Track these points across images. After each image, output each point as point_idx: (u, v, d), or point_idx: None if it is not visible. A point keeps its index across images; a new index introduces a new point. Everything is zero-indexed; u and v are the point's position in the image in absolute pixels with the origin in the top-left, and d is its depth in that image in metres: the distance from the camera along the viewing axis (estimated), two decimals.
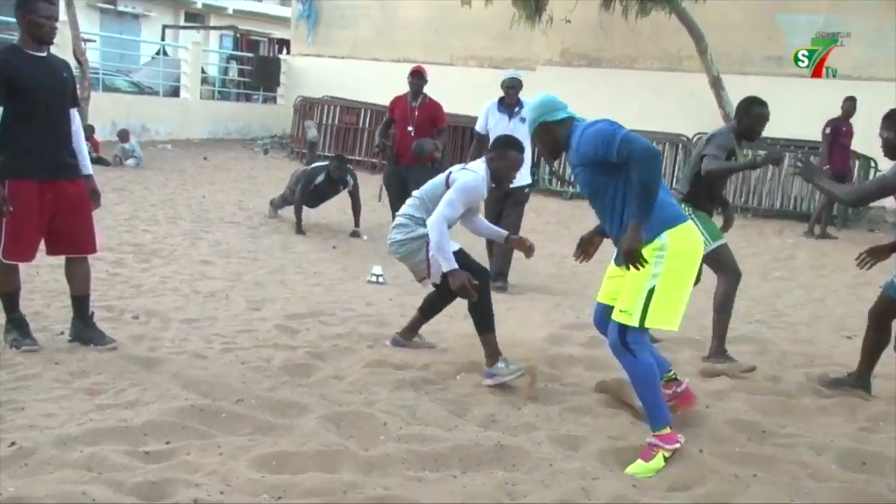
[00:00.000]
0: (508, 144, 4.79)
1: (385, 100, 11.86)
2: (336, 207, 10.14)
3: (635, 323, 3.47)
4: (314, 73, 19.87)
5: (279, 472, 3.26)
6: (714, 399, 4.48)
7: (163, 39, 24.76)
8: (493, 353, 4.46)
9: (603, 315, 3.84)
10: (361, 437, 3.65)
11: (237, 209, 10.55)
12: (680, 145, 14.05)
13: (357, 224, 9.50)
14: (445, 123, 8.43)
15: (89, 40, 15.70)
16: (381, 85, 15.86)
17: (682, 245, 3.50)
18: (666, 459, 3.45)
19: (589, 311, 6.55)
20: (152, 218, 9.30)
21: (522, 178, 7.27)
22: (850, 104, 11.27)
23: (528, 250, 4.90)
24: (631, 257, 3.40)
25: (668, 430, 3.50)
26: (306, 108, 17.18)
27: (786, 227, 12.17)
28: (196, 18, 30.08)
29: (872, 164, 13.13)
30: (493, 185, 4.77)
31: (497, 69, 17.94)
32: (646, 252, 3.41)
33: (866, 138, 12.47)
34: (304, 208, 9.38)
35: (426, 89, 8.46)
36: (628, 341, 3.51)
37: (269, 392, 4.13)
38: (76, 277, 4.72)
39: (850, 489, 3.33)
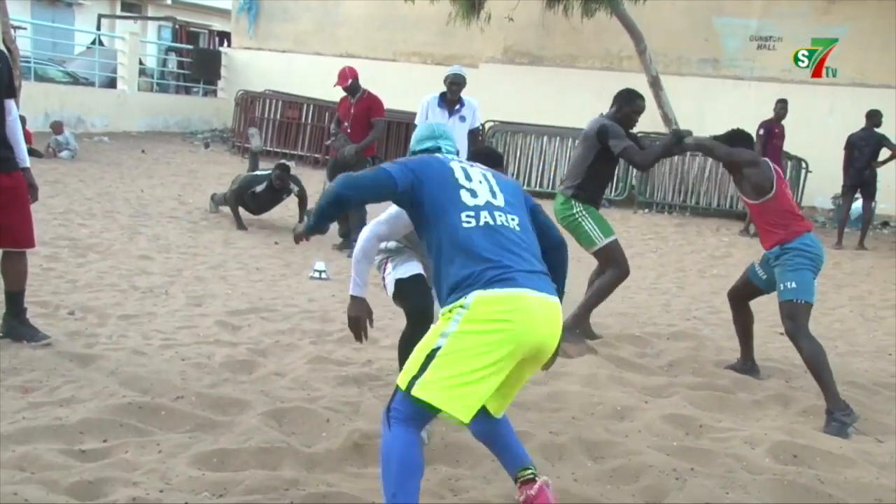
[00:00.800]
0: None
1: (327, 95, 11.81)
2: (282, 204, 10.03)
3: (402, 386, 2.68)
4: (255, 66, 19.60)
5: (220, 469, 3.23)
6: (652, 395, 4.58)
7: (98, 29, 24.13)
8: None
9: None
10: (304, 434, 3.64)
11: (177, 204, 10.35)
12: None
13: (301, 219, 9.40)
14: (381, 116, 8.41)
15: (19, 27, 15.19)
16: (323, 80, 15.71)
17: (483, 309, 2.66)
18: None
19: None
20: (88, 212, 9.07)
21: None
22: (781, 106, 11.59)
23: None
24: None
25: None
26: (247, 101, 16.94)
27: (722, 226, 12.46)
28: (133, 8, 29.38)
29: (804, 164, 13.52)
30: None
31: (439, 65, 17.94)
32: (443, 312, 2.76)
33: (798, 139, 12.90)
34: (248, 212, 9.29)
35: (364, 85, 8.46)
36: (391, 408, 2.70)
37: (210, 389, 4.08)
38: (11, 272, 4.59)
39: (783, 481, 3.44)
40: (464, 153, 7.33)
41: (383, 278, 3.86)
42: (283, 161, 9.47)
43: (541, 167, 14.49)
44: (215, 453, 3.33)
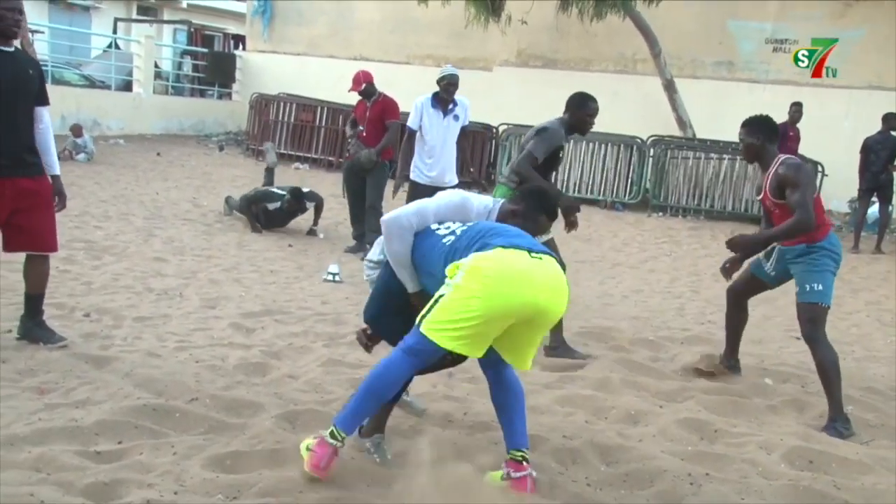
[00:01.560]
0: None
1: (341, 98, 11.84)
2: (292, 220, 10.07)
3: (417, 320, 3.10)
4: (270, 69, 19.70)
5: (234, 471, 3.24)
6: (666, 399, 4.56)
7: (114, 32, 24.29)
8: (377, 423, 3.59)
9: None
10: None
11: (191, 206, 10.40)
12: (634, 147, 14.23)
13: (315, 223, 9.44)
14: (396, 118, 8.43)
15: (37, 31, 15.31)
16: (336, 82, 15.76)
17: (480, 263, 3.01)
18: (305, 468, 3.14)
19: None
20: (104, 214, 9.12)
21: (454, 176, 7.39)
22: (796, 109, 11.54)
23: None
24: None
25: (336, 441, 3.14)
26: (262, 104, 17.01)
27: (737, 229, 12.33)
28: (149, 12, 29.56)
29: (819, 167, 13.44)
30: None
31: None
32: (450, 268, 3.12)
33: (813, 143, 12.83)
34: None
35: (381, 87, 8.49)
36: (408, 340, 3.13)
37: (224, 391, 4.09)
38: (32, 275, 4.63)
39: (798, 486, 3.41)
40: (454, 150, 7.39)
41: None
42: (295, 187, 9.46)
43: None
44: (229, 455, 3.34)
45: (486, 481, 3.21)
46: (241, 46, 21.97)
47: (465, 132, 7.63)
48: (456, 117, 7.36)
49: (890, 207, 11.61)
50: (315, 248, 8.73)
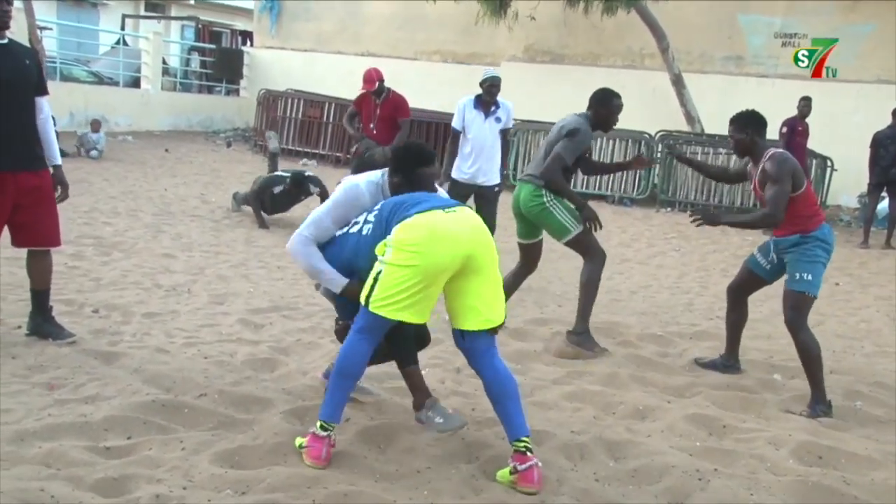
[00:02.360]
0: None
1: (349, 94, 11.83)
2: (302, 204, 10.07)
3: (363, 301, 3.30)
4: (278, 65, 19.72)
5: (242, 467, 3.25)
6: (674, 395, 4.55)
7: (122, 29, 24.35)
8: (418, 393, 3.72)
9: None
10: None
11: (200, 202, 10.42)
12: (643, 142, 14.19)
13: None
14: (408, 116, 8.42)
15: (45, 28, 15.36)
16: (345, 79, 15.80)
17: (402, 234, 3.23)
18: (306, 462, 3.29)
19: (553, 306, 6.64)
20: (113, 210, 9.15)
21: (494, 176, 7.36)
22: (805, 104, 11.47)
23: None
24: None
25: (327, 432, 3.31)
26: (270, 101, 17.03)
27: None
28: (157, 8, 29.63)
29: (828, 162, 13.39)
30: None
31: (461, 64, 17.99)
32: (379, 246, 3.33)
33: (822, 137, 12.77)
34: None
35: (389, 83, 8.47)
36: (358, 321, 3.35)
37: (232, 387, 4.10)
38: (37, 271, 4.63)
39: (807, 482, 3.40)
40: (496, 152, 7.39)
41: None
42: (297, 171, 9.47)
43: None
44: (237, 451, 3.35)
45: (497, 481, 3.26)
46: (248, 42, 22.00)
47: (505, 134, 7.62)
48: (498, 119, 7.35)
49: None
50: None
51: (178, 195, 10.74)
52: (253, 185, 9.65)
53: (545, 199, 5.22)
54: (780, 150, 4.62)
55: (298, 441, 3.37)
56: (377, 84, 8.29)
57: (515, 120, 14.65)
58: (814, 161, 13.05)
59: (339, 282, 3.61)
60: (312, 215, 3.74)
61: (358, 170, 8.52)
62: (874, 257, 10.30)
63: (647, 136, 14.24)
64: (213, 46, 21.87)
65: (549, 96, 15.85)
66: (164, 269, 6.79)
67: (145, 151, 14.77)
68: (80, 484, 2.96)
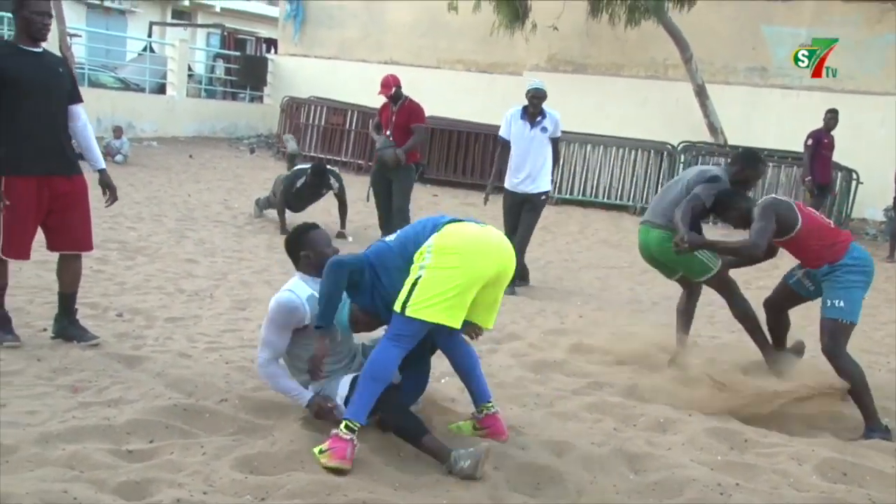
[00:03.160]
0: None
1: (371, 101, 11.89)
2: (322, 209, 10.12)
3: (398, 308, 3.38)
4: (301, 73, 19.84)
5: (262, 473, 3.26)
6: (696, 408, 4.51)
7: (149, 36, 24.62)
8: (440, 454, 3.47)
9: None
10: None
11: (223, 208, 10.50)
12: (665, 153, 14.14)
13: (343, 225, 9.48)
14: (422, 122, 8.50)
15: (74, 35, 15.57)
16: (367, 86, 15.84)
17: (446, 241, 3.40)
18: (328, 466, 3.28)
19: (574, 317, 6.62)
20: (137, 215, 9.24)
21: (541, 184, 7.39)
22: (831, 116, 11.38)
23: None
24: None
25: (352, 433, 3.34)
26: (293, 108, 17.14)
27: None
28: (183, 16, 29.92)
29: (854, 175, 13.26)
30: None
31: (483, 73, 18.03)
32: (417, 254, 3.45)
33: (848, 150, 12.66)
34: (290, 211, 9.36)
35: (408, 91, 8.54)
36: (392, 329, 3.44)
37: (253, 392, 4.11)
38: (66, 274, 4.70)
39: (831, 499, 3.36)
40: (546, 161, 7.41)
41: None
42: (318, 163, 9.54)
43: (584, 176, 14.41)
44: (257, 456, 3.36)
45: (461, 432, 3.73)
46: (273, 50, 22.17)
47: (555, 143, 7.67)
48: (544, 129, 7.42)
49: None
50: (344, 250, 8.73)
51: (201, 201, 10.82)
52: (273, 187, 9.70)
53: None
54: (767, 198, 4.64)
55: (318, 448, 3.38)
56: (393, 89, 8.37)
57: None
58: (839, 174, 12.94)
59: (304, 396, 3.73)
60: (261, 338, 3.84)
61: (377, 175, 8.58)
62: None
63: (669, 146, 14.18)
64: (237, 54, 22.06)
65: (572, 106, 15.81)
66: (187, 274, 6.84)
67: (170, 157, 14.90)
68: (103, 487, 2.99)
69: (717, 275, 5.12)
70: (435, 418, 3.94)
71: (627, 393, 4.67)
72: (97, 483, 3.00)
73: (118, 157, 13.42)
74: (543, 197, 7.52)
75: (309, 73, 19.66)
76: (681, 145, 14.29)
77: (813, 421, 4.43)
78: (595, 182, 14.27)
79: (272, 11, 26.39)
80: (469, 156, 15.49)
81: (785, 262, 5.17)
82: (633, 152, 14.14)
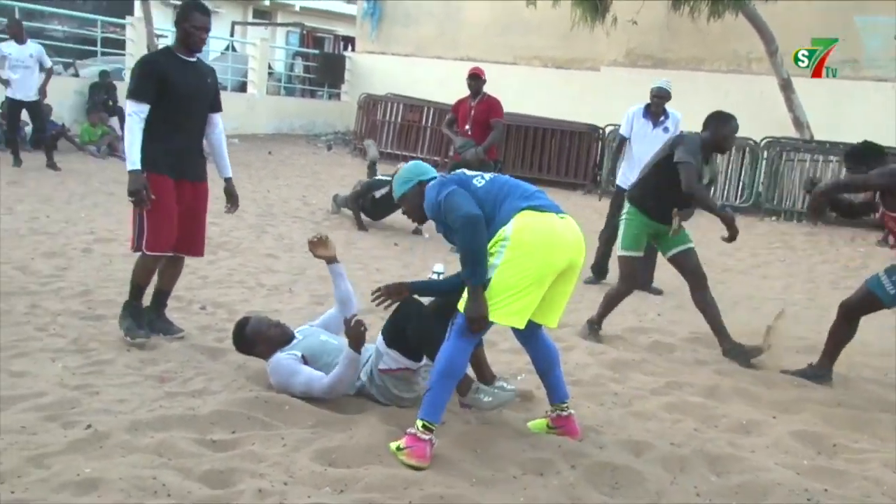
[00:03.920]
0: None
1: (447, 98, 11.94)
2: (398, 210, 10.22)
3: (461, 307, 3.38)
4: (378, 70, 20.00)
5: (340, 465, 3.30)
6: (780, 410, 4.39)
7: (231, 35, 25.20)
8: (460, 385, 3.66)
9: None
10: None
11: (301, 204, 10.68)
12: (747, 149, 13.76)
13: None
14: (500, 117, 8.49)
15: (161, 35, 16.04)
16: (443, 83, 15.90)
17: (524, 235, 3.35)
18: (407, 463, 3.32)
19: (652, 315, 6.51)
20: (219, 210, 9.43)
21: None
22: None
23: None
24: (477, 325, 3.36)
25: (429, 433, 3.36)
26: (370, 105, 17.31)
27: (858, 235, 11.80)
28: (264, 15, 30.53)
29: None
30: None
31: (560, 69, 17.86)
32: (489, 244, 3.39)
33: None
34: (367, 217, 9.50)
35: (487, 88, 8.53)
36: (455, 324, 3.41)
37: None
38: (168, 273, 4.89)
39: None
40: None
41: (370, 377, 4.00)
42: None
43: None
44: (336, 449, 3.40)
45: (532, 431, 3.75)
46: (350, 48, 22.42)
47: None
48: (666, 129, 7.32)
49: None
50: (420, 247, 8.81)
51: (280, 197, 11.02)
52: (354, 188, 9.82)
53: (626, 210, 5.56)
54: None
55: (394, 444, 3.41)
56: (482, 78, 8.38)
57: (614, 125, 14.58)
58: None
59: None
60: (298, 390, 3.93)
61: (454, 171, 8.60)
62: None
63: (751, 142, 13.80)
64: (316, 52, 22.39)
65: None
66: (267, 269, 6.98)
67: (250, 154, 15.23)
68: (189, 474, 3.07)
69: (619, 257, 5.44)
70: (508, 413, 3.93)
71: (708, 393, 4.57)
72: (184, 471, 3.09)
73: None
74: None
75: (386, 70, 19.80)
76: (763, 141, 13.90)
77: None
78: None
79: (350, 10, 26.68)
80: (545, 153, 15.38)
81: (877, 262, 4.96)
82: None
